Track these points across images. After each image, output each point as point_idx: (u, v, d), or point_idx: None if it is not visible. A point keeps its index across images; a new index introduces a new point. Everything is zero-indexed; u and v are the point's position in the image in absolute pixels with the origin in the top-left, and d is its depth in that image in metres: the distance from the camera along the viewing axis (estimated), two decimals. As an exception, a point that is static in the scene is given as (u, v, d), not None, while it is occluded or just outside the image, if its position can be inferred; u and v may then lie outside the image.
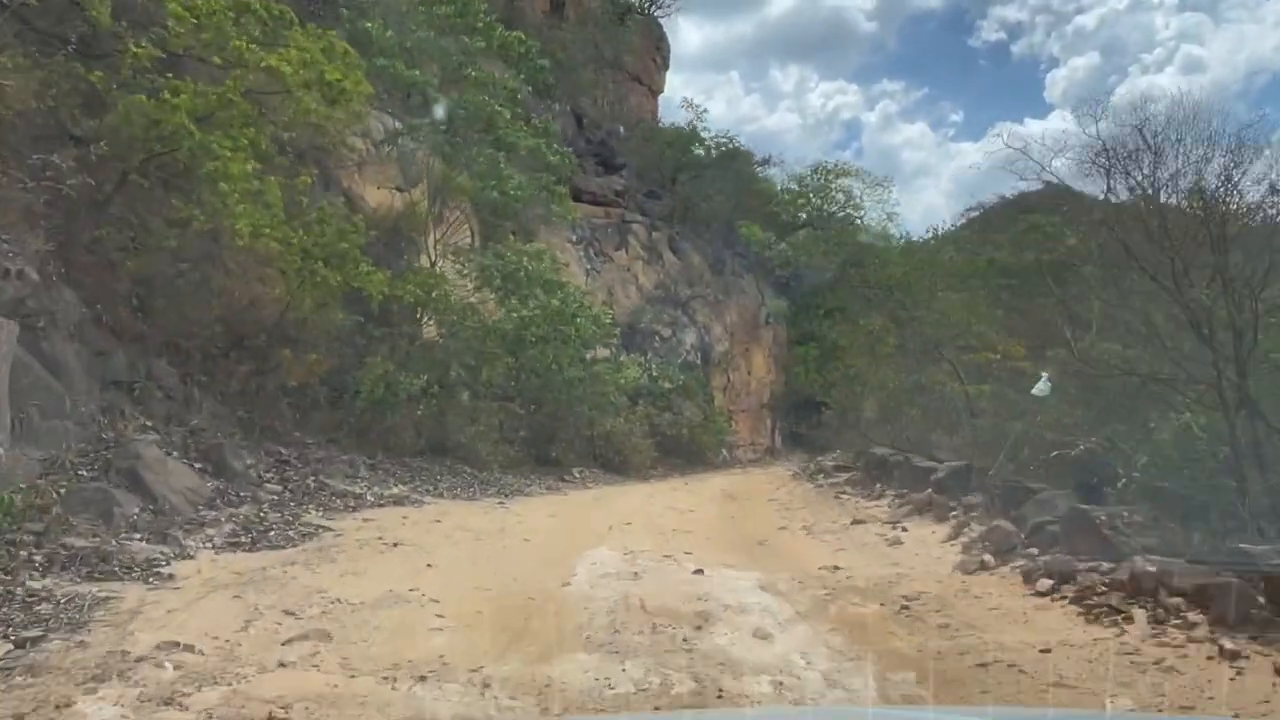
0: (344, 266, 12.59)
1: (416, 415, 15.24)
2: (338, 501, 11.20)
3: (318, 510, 10.62)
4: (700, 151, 36.37)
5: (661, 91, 49.06)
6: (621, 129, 32.96)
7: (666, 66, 50.18)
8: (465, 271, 16.86)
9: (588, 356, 23.44)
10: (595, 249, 28.54)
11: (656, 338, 29.55)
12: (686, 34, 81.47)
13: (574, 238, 27.38)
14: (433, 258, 16.69)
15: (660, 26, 48.18)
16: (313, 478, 11.69)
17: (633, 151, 33.67)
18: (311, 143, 15.64)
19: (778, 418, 41.26)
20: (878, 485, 14.85)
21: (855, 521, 11.73)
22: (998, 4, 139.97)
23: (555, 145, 22.13)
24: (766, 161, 44.34)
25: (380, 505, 11.60)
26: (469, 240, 20.69)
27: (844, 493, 14.97)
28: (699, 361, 32.09)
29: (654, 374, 27.20)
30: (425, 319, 15.95)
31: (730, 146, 37.75)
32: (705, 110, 36.42)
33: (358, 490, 11.92)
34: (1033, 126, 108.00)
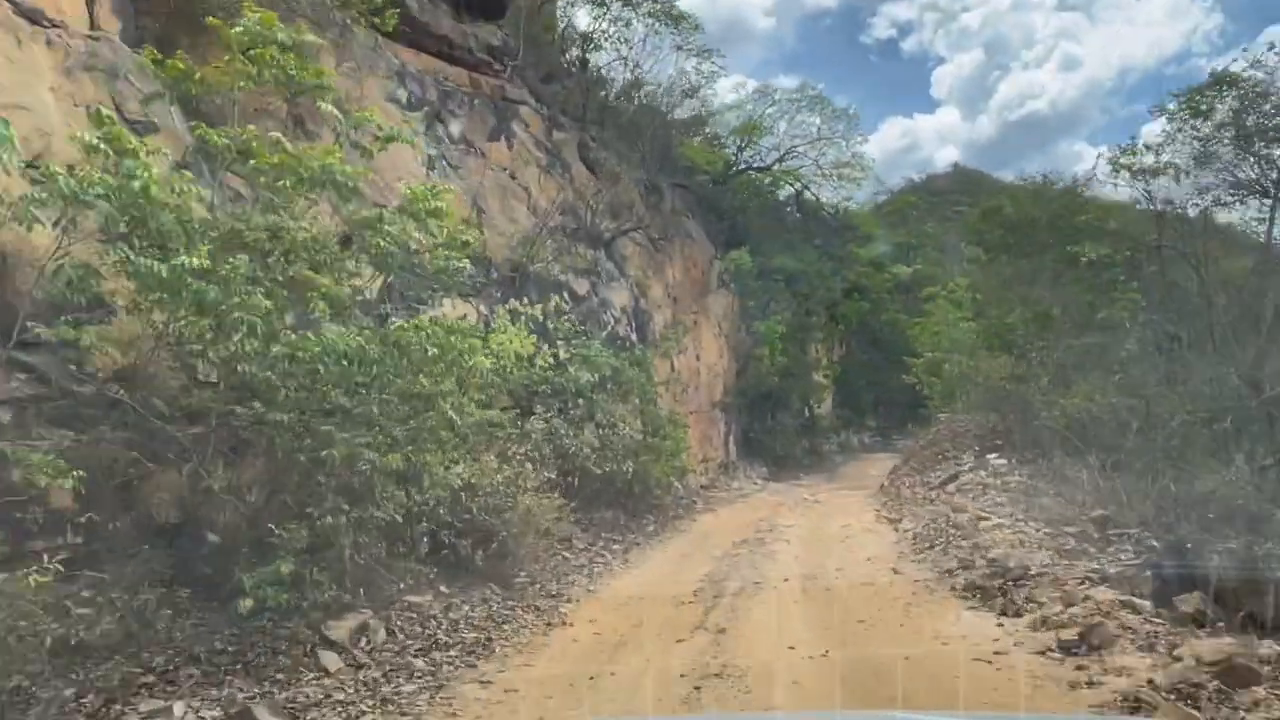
0: None
1: None
2: None
3: None
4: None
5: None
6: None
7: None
8: None
9: (431, 315, 10.01)
10: (449, 130, 14.98)
11: (565, 294, 16.22)
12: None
13: (402, 95, 13.76)
14: None
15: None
16: None
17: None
18: None
19: (732, 421, 28.60)
20: None
21: None
22: (889, 2, 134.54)
23: None
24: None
25: None
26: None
27: None
28: (633, 337, 19.03)
29: (563, 353, 13.95)
30: None
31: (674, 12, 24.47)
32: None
33: None
34: (922, 121, 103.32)
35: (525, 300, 14.66)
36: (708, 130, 32.23)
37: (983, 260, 24.45)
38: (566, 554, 11.38)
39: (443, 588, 8.44)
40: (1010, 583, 6.79)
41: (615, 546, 12.63)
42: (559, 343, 14.55)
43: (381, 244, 7.27)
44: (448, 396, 7.12)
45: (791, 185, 34.88)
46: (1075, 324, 15.89)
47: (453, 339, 6.92)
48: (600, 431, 14.17)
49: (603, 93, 23.08)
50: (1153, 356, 13.78)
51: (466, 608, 8.07)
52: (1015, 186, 32.01)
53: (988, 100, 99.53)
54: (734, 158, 34.29)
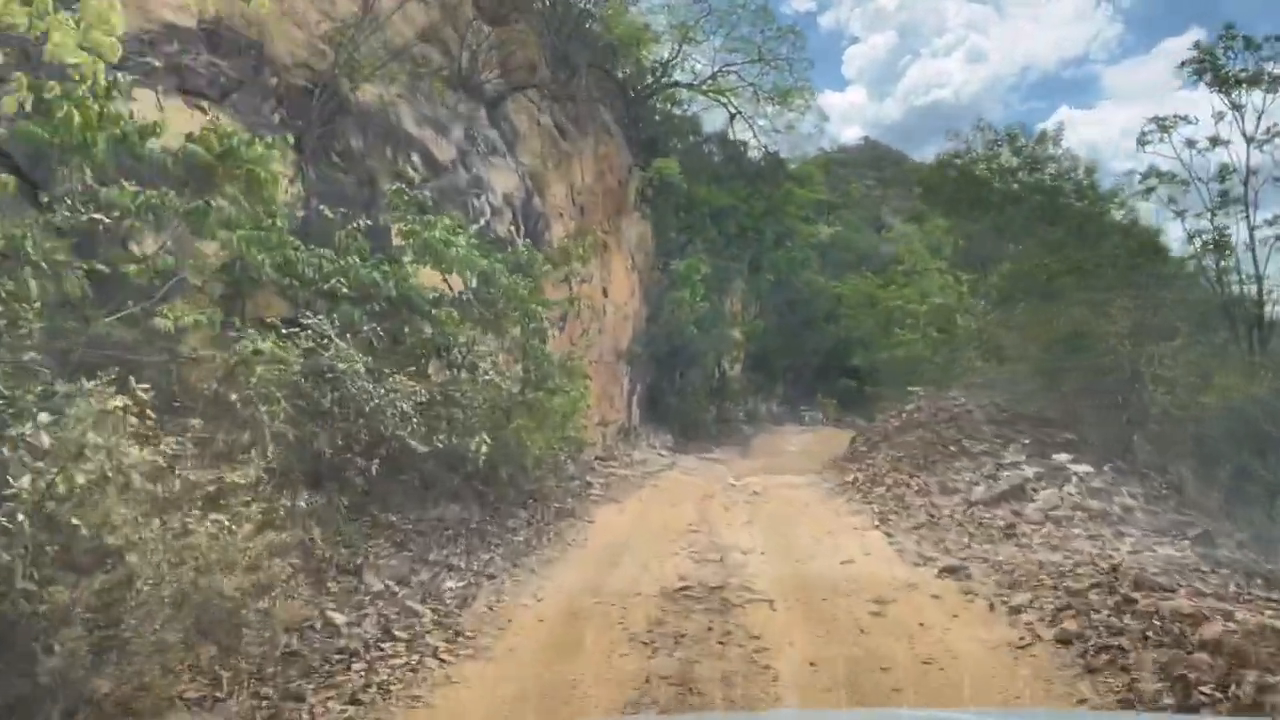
0: None
1: None
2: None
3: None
4: None
5: None
6: None
7: None
8: None
9: None
10: None
11: (416, 153, 10.00)
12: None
13: None
14: None
15: None
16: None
17: None
18: None
19: (638, 376, 23.00)
20: None
21: None
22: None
23: None
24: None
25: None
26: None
27: None
28: (518, 242, 12.96)
29: (395, 235, 7.85)
30: None
31: None
32: None
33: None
34: (831, 97, 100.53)
35: (331, 149, 8.43)
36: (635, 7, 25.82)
37: (930, 216, 19.93)
38: (335, 614, 5.43)
39: None
40: None
41: (449, 583, 6.75)
42: (388, 219, 8.40)
43: None
44: None
45: (724, 105, 29.00)
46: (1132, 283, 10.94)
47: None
48: (454, 374, 8.24)
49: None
50: None
51: None
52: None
53: (896, 83, 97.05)
54: (659, 68, 28.11)
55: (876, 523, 9.06)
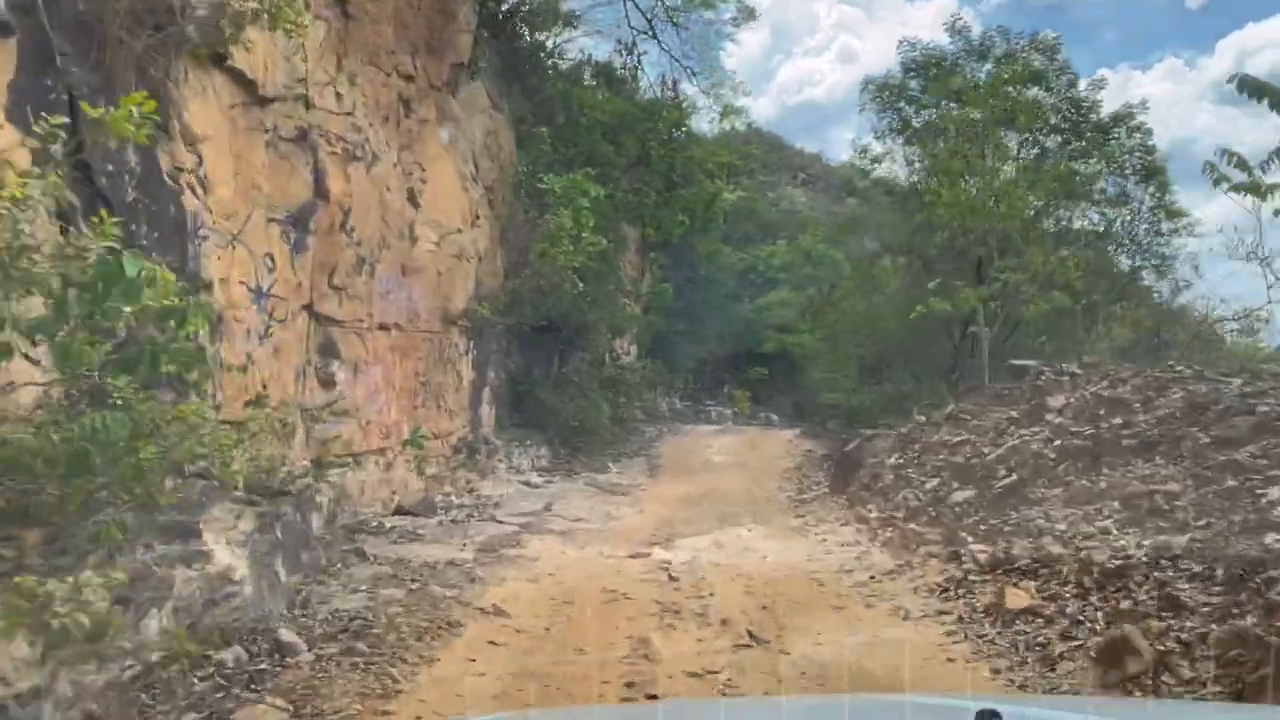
0: None
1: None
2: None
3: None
4: None
5: None
6: None
7: None
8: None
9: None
10: None
11: None
12: None
13: None
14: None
15: None
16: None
17: None
18: None
19: (489, 359, 14.19)
20: None
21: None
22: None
23: None
24: None
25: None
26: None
27: None
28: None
29: None
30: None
31: None
32: None
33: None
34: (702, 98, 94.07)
35: None
36: None
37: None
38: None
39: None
40: None
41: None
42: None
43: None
44: None
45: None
46: None
47: None
48: None
49: None
50: None
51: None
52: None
53: (769, 81, 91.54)
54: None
55: None
